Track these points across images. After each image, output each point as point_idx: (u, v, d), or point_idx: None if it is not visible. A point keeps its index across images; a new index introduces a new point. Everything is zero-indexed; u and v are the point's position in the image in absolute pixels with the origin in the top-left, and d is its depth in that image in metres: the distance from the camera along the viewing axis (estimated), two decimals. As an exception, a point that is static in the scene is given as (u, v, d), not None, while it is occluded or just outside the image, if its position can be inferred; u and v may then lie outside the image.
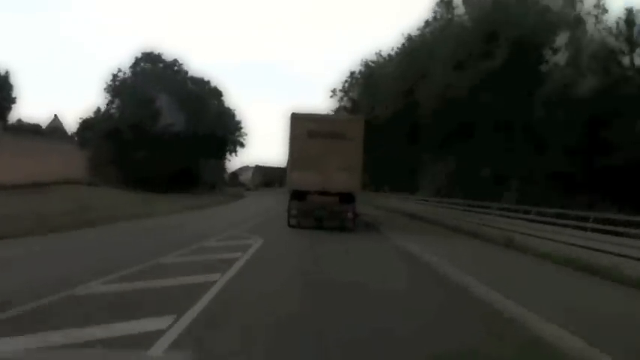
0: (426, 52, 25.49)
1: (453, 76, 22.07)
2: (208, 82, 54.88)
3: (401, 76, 27.88)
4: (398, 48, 32.67)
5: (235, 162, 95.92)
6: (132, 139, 37.34)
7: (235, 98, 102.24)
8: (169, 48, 76.20)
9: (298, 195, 16.50)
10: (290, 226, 16.46)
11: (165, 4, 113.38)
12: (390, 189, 38.55)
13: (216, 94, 55.81)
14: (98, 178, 35.92)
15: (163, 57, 44.01)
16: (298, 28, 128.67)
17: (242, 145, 67.51)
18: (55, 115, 55.61)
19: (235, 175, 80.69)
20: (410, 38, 30.32)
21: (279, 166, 67.06)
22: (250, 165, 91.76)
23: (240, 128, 64.50)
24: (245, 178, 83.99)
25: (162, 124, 39.55)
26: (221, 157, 56.62)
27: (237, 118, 64.61)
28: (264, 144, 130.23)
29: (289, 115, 17.00)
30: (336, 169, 16.61)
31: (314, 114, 17.40)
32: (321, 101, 56.38)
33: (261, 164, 75.61)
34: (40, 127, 48.05)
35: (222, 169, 65.17)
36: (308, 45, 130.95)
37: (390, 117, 26.69)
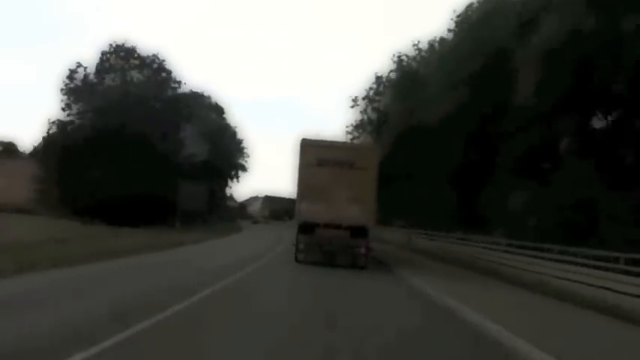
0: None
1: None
2: (208, 98, 50.47)
3: (470, 53, 21.37)
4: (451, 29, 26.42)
5: (244, 191, 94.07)
6: (87, 155, 30.25)
7: (247, 132, 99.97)
8: (149, 44, 71.76)
9: (307, 228, 15.69)
10: (297, 261, 15.67)
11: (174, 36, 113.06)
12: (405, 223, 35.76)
13: (217, 110, 51.70)
14: (41, 205, 31.46)
15: (138, 51, 35.72)
16: (308, 62, 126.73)
17: (244, 168, 61.25)
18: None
19: (243, 205, 77.85)
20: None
21: (290, 197, 64.88)
22: (260, 195, 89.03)
23: (242, 149, 58.73)
24: (254, 209, 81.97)
25: (132, 137, 31.09)
26: (211, 182, 49.71)
27: (239, 137, 58.57)
28: (277, 176, 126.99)
29: (299, 141, 16.46)
30: (348, 201, 15.82)
31: (325, 140, 16.73)
32: (334, 133, 48.20)
33: (271, 194, 73.22)
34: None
35: (218, 197, 57.26)
36: (320, 79, 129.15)
37: (445, 118, 21.56)
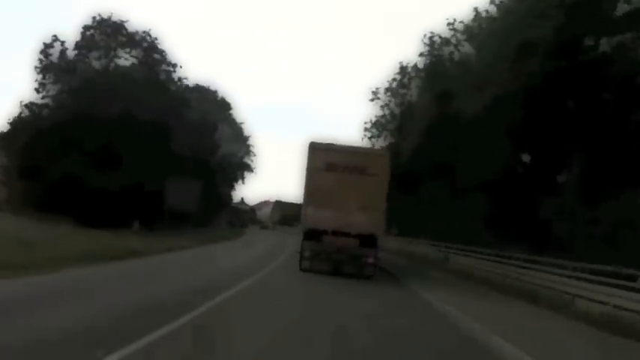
0: None
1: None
2: (215, 92, 48.58)
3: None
4: None
5: (255, 195, 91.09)
6: (61, 143, 27.01)
7: (257, 135, 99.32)
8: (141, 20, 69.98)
9: (313, 234, 15.46)
10: (301, 269, 15.58)
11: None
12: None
13: (223, 105, 49.76)
14: (5, 201, 27.86)
15: (127, 28, 31.96)
16: (321, 67, 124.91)
17: (249, 168, 59.38)
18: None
19: (253, 210, 79.21)
20: None
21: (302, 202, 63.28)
22: (271, 200, 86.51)
23: (248, 147, 57.11)
24: (264, 213, 79.62)
25: (115, 124, 27.92)
26: (210, 180, 44.93)
27: (245, 134, 56.94)
28: (289, 182, 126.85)
29: (307, 144, 16.31)
30: (357, 208, 15.54)
31: (335, 144, 16.44)
32: (348, 138, 47.89)
33: (282, 200, 72.63)
34: None
35: (221, 198, 53.76)
36: (333, 84, 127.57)
37: (491, 104, 18.22)
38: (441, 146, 22.37)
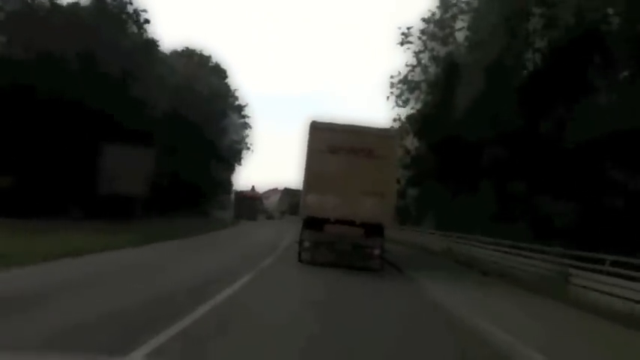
0: None
1: None
2: (208, 57, 44.86)
3: None
4: None
5: (264, 183, 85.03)
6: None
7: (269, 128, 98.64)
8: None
9: (314, 223, 14.76)
10: (300, 261, 15.10)
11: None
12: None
13: (218, 72, 45.18)
14: None
15: None
16: (334, 57, 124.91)
17: (246, 147, 53.88)
18: None
19: (260, 199, 75.54)
20: None
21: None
22: (280, 188, 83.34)
23: (244, 117, 50.60)
24: (271, 202, 76.06)
25: (47, 89, 22.80)
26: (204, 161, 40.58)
27: (241, 102, 50.58)
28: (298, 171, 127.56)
29: (308, 124, 15.27)
30: (362, 194, 14.58)
31: (338, 124, 15.50)
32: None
33: (292, 187, 70.40)
34: None
35: (214, 182, 48.69)
36: (347, 74, 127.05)
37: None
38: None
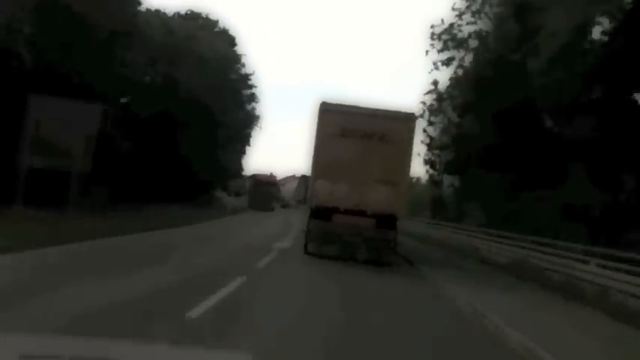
0: None
1: None
2: (215, 22, 40.32)
3: None
4: None
5: (281, 170, 77.36)
6: None
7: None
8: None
9: (322, 213, 14.23)
10: (306, 252, 14.75)
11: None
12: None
13: (224, 38, 40.78)
14: None
15: None
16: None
17: (256, 123, 48.77)
18: None
19: (277, 185, 68.85)
20: None
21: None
22: (297, 175, 78.25)
23: (251, 87, 45.68)
24: (288, 189, 73.12)
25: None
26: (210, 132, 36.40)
27: (247, 71, 45.19)
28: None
29: (317, 105, 14.51)
30: (375, 182, 13.85)
31: (350, 105, 14.76)
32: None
33: (309, 175, 62.70)
34: None
35: (225, 169, 44.71)
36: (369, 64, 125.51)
37: None
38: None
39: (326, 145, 14.14)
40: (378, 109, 14.66)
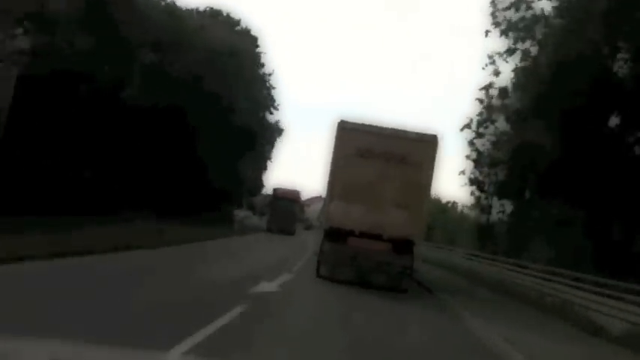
0: None
1: None
2: (238, 21, 38.77)
3: None
4: None
5: (307, 190, 72.36)
6: None
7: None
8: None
9: (336, 235, 13.91)
10: (319, 276, 14.52)
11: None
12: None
13: (245, 37, 38.98)
14: None
15: None
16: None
17: (278, 131, 46.73)
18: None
19: (300, 205, 61.43)
20: None
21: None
22: (324, 196, 73.07)
23: (270, 88, 43.44)
24: (313, 210, 70.83)
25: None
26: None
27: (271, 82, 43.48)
28: None
29: (335, 124, 14.28)
30: (392, 205, 13.46)
31: (369, 125, 14.44)
32: None
33: None
34: None
35: (242, 182, 42.42)
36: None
37: None
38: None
39: (343, 166, 14.04)
40: (398, 130, 15.11)
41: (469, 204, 32.00)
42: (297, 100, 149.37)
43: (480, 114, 25.69)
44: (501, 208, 25.51)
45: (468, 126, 25.58)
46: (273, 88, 43.77)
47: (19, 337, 2.47)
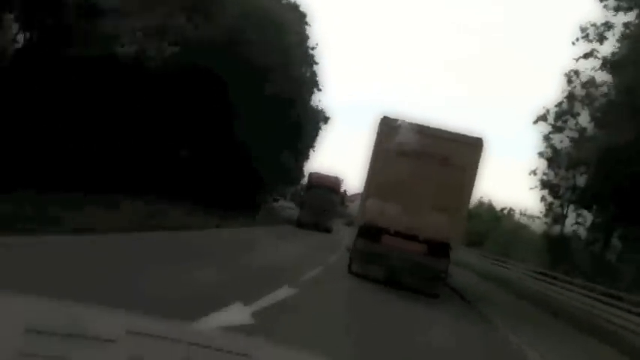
0: None
1: None
2: None
3: None
4: None
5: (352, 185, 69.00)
6: None
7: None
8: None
9: (371, 232, 13.68)
10: (350, 272, 14.36)
11: None
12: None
13: (295, 13, 35.42)
14: None
15: None
16: None
17: (324, 119, 43.20)
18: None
19: (342, 200, 54.36)
20: None
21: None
22: None
23: (313, 67, 38.94)
24: (356, 206, 64.56)
25: None
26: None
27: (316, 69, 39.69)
28: None
29: (378, 120, 14.11)
30: (430, 206, 13.12)
31: (413, 123, 14.14)
32: None
33: None
34: None
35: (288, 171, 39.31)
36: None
37: None
38: None
39: (382, 163, 14.14)
40: (443, 130, 15.03)
41: (537, 211, 27.56)
42: (345, 95, 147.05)
43: (559, 104, 22.34)
44: (578, 219, 22.41)
45: (543, 118, 22.62)
46: (316, 63, 38.64)
47: (92, 306, 2.52)
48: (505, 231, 38.68)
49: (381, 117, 14.24)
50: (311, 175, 40.10)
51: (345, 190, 47.07)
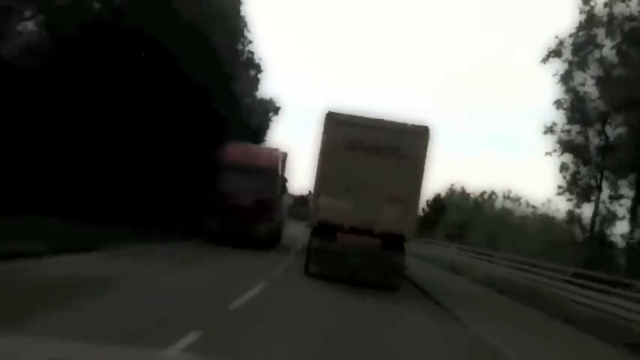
0: None
1: None
2: None
3: None
4: None
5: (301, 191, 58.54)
6: None
7: None
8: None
9: (325, 230, 13.75)
10: (307, 273, 14.23)
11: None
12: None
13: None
14: None
15: None
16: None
17: (274, 108, 38.20)
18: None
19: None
20: None
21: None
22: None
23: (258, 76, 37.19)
24: None
25: None
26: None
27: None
28: None
29: (323, 115, 13.98)
30: (383, 200, 13.12)
31: (358, 116, 14.24)
32: None
33: None
34: None
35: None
36: None
37: None
38: None
39: (331, 158, 14.24)
40: (389, 121, 17.06)
41: (556, 185, 20.70)
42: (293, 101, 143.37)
43: (576, 32, 16.82)
44: (614, 192, 16.70)
45: (556, 53, 17.11)
46: (260, 59, 32.33)
47: (18, 336, 2.37)
48: (488, 219, 35.17)
49: (326, 112, 14.15)
50: (227, 149, 24.19)
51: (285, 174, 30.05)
